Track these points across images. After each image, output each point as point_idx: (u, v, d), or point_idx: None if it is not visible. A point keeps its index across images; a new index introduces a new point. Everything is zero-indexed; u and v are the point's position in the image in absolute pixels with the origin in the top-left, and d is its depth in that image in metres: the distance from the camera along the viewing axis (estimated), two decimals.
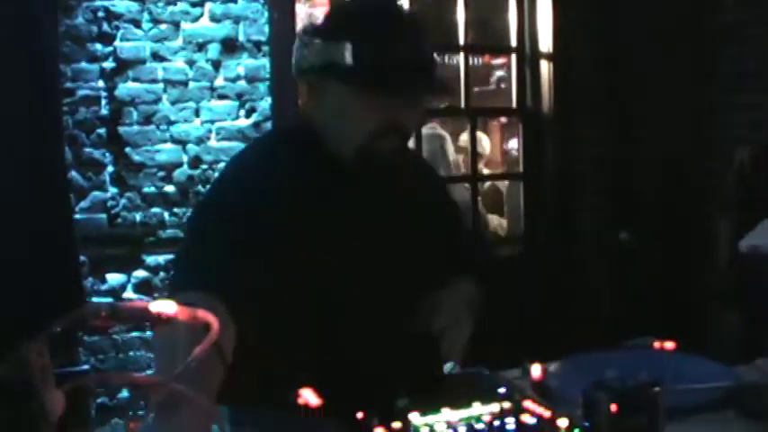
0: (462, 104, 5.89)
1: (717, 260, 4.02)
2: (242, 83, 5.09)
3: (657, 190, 5.84)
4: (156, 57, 4.93)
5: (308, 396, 1.81)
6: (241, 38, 5.07)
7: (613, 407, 1.42)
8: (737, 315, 3.84)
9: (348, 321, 2.02)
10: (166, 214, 5.01)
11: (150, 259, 5.00)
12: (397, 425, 1.64)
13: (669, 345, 2.13)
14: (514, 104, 6.08)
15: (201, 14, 4.99)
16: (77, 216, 4.81)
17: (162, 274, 4.98)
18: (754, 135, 4.95)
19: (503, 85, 8.34)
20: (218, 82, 5.05)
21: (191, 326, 1.06)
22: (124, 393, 4.79)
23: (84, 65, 4.79)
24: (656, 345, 2.14)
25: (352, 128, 2.04)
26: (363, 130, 2.02)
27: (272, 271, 1.92)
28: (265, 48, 5.12)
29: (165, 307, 1.04)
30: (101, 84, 4.84)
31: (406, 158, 2.17)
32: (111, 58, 4.84)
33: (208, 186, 4.92)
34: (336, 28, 2.04)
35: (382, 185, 2.15)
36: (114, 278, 4.90)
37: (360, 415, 1.69)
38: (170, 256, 5.00)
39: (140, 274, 4.98)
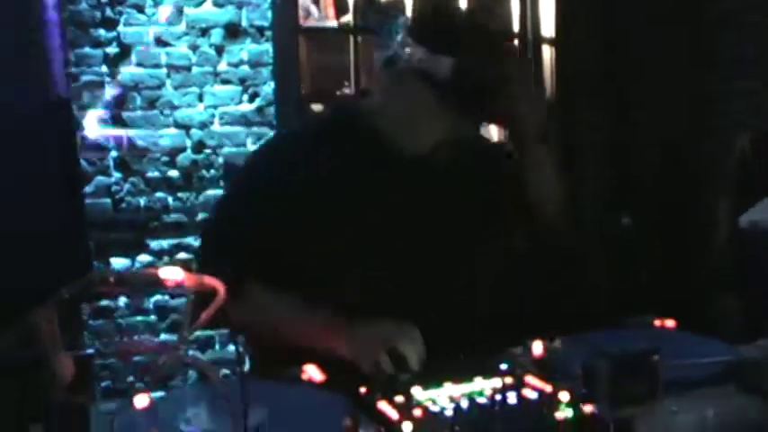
0: None
1: (716, 242, 4.03)
2: (245, 68, 5.10)
3: (656, 174, 5.85)
4: (160, 42, 4.94)
5: (312, 372, 1.83)
6: (244, 23, 5.08)
7: (612, 374, 1.44)
8: (738, 296, 3.85)
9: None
10: (170, 199, 5.02)
11: (154, 244, 5.02)
12: (399, 399, 1.65)
13: (669, 323, 2.15)
14: None
15: (204, 0, 5.00)
16: None
17: (166, 258, 5.01)
18: (752, 121, 4.96)
19: None
20: (222, 67, 5.06)
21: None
22: (129, 377, 4.82)
23: (87, 50, 4.81)
24: (657, 323, 2.16)
25: (423, 131, 2.14)
26: (432, 135, 2.14)
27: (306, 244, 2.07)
28: (268, 33, 5.13)
29: (171, 273, 1.06)
30: (104, 69, 4.85)
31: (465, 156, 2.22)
32: (114, 44, 4.85)
33: (217, 169, 4.96)
34: (439, 38, 2.08)
35: (434, 178, 2.20)
36: (119, 262, 4.91)
37: (363, 390, 1.71)
38: (174, 241, 5.02)
39: (144, 258, 5.00)
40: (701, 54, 5.61)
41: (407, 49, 2.07)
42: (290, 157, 2.20)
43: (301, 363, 1.86)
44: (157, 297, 5.01)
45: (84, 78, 4.80)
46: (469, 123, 2.14)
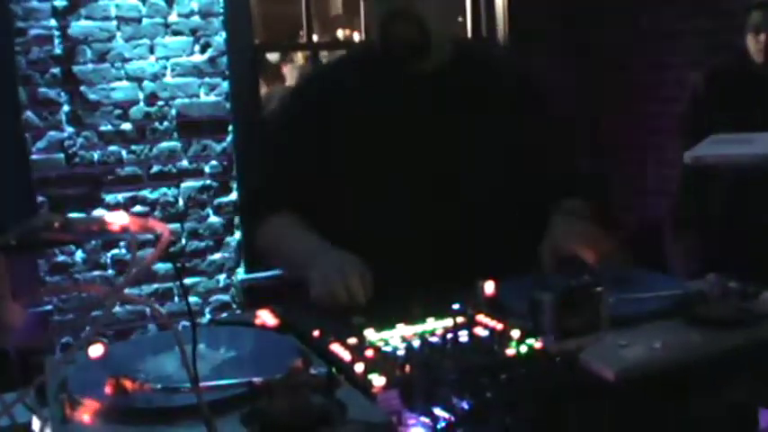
0: None
1: (673, 185, 4.06)
2: (196, 18, 5.07)
3: (614, 117, 5.88)
4: None
5: (266, 316, 1.84)
6: None
7: (556, 306, 1.46)
8: (693, 236, 3.90)
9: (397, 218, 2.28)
10: (124, 152, 5.00)
11: (110, 197, 5.00)
12: (352, 341, 1.67)
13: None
14: (469, 35, 6.07)
15: None
16: (34, 157, 4.80)
17: (122, 211, 4.98)
18: (710, 61, 4.99)
19: (459, 18, 8.32)
20: (172, 18, 5.03)
21: None
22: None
23: (35, 3, 4.75)
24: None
25: (373, 23, 2.34)
26: (376, 21, 2.30)
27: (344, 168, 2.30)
28: None
29: (117, 218, 1.07)
30: (53, 22, 4.80)
31: (427, 46, 2.29)
32: None
33: (170, 120, 4.94)
34: None
35: (438, 87, 2.34)
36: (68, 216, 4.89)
37: (316, 333, 1.72)
38: (129, 194, 5.01)
39: (100, 212, 4.98)
40: None
41: None
42: (326, 87, 2.42)
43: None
44: (114, 251, 5.00)
45: (33, 32, 4.75)
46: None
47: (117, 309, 4.81)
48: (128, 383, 1.41)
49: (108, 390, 1.40)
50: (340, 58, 2.69)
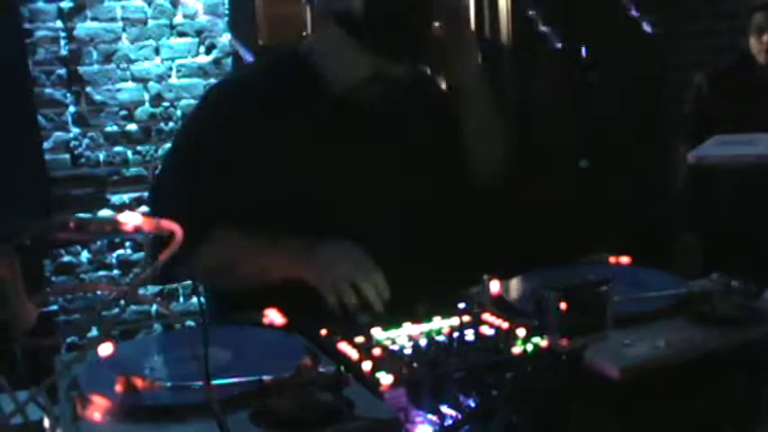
0: None
1: (675, 184, 4.08)
2: (201, 19, 5.08)
3: (616, 117, 5.88)
4: None
5: (273, 316, 1.85)
6: None
7: (562, 305, 1.47)
8: (695, 235, 3.92)
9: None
10: (129, 153, 5.02)
11: (115, 198, 5.02)
12: (359, 339, 1.69)
13: (624, 259, 2.19)
14: None
15: None
16: None
17: (127, 211, 5.00)
18: (713, 61, 5.00)
19: None
20: (178, 19, 5.04)
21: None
22: (93, 332, 4.83)
23: (41, 5, 4.77)
24: (612, 260, 2.20)
25: (345, 68, 2.13)
26: (354, 73, 2.12)
27: (262, 184, 2.11)
28: None
29: (131, 218, 1.08)
30: (59, 24, 4.82)
31: (394, 101, 2.20)
32: None
33: (176, 121, 4.95)
34: None
35: (371, 112, 2.22)
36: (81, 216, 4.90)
37: (323, 331, 1.74)
38: (135, 194, 5.02)
39: (106, 212, 5.00)
40: None
41: None
42: (238, 99, 2.22)
43: (263, 307, 1.88)
44: (120, 251, 5.02)
45: (39, 34, 4.77)
46: (395, 61, 2.14)
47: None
48: (138, 381, 1.42)
49: (118, 388, 1.42)
50: (251, 66, 2.51)
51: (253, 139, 2.15)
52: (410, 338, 1.69)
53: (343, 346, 1.65)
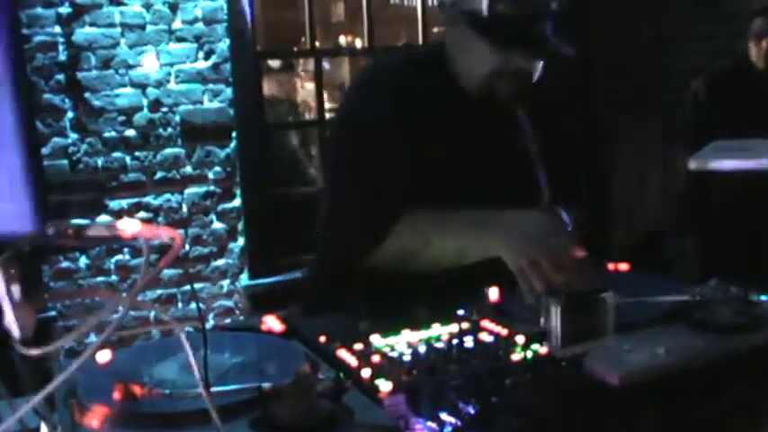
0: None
1: (674, 188, 4.08)
2: (200, 25, 5.08)
3: (615, 119, 5.89)
4: (113, 1, 4.91)
5: (272, 322, 1.85)
6: None
7: (562, 312, 1.47)
8: (695, 241, 3.91)
9: None
10: (128, 158, 5.02)
11: (114, 203, 5.02)
12: (358, 346, 1.69)
13: (623, 266, 2.19)
14: None
15: None
16: None
17: (125, 217, 4.99)
18: (713, 65, 5.00)
19: None
20: (176, 24, 5.04)
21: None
22: (92, 337, 4.82)
23: (39, 10, 4.77)
24: (611, 266, 2.20)
25: (474, 66, 2.21)
26: (483, 70, 2.19)
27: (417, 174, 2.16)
28: None
29: (129, 225, 1.08)
30: (57, 29, 4.82)
31: (525, 98, 2.27)
32: (66, 3, 4.81)
33: (174, 127, 4.94)
34: None
35: (502, 111, 2.29)
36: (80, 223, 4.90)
37: (322, 338, 1.74)
38: (133, 200, 5.02)
39: (104, 218, 4.99)
40: None
41: None
42: (392, 93, 2.28)
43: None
44: (118, 257, 5.02)
45: (37, 39, 4.77)
46: (522, 58, 2.19)
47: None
48: (137, 389, 1.42)
49: (117, 395, 1.41)
50: (403, 62, 2.57)
51: (406, 129, 2.21)
52: (409, 345, 1.69)
53: (343, 353, 1.66)
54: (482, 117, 2.27)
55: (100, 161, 4.96)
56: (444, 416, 1.41)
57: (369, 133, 2.27)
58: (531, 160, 2.29)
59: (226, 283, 5.32)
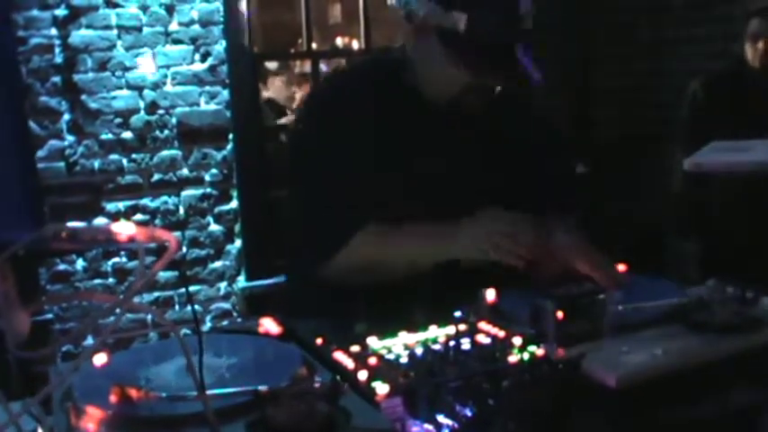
0: None
1: (672, 189, 4.07)
2: (196, 27, 5.08)
3: (614, 121, 5.89)
4: (109, 3, 4.90)
5: (268, 325, 1.85)
6: None
7: (558, 314, 1.47)
8: (693, 242, 3.91)
9: None
10: (125, 160, 5.01)
11: (110, 206, 5.01)
12: (355, 349, 1.68)
13: (621, 266, 2.18)
14: None
15: None
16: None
17: (122, 220, 4.99)
18: (710, 67, 4.99)
19: None
20: (173, 27, 5.04)
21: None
22: (89, 340, 4.81)
23: (35, 13, 4.76)
24: None
25: (443, 82, 2.21)
26: (453, 86, 2.20)
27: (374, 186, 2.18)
28: None
29: (124, 228, 1.07)
30: (54, 32, 4.81)
31: (488, 107, 2.28)
32: (63, 6, 4.81)
33: (171, 129, 4.93)
34: None
35: (463, 123, 2.29)
36: (75, 226, 4.89)
37: (319, 341, 1.73)
38: (130, 202, 5.02)
39: (101, 221, 4.98)
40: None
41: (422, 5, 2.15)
42: (345, 106, 2.29)
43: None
44: (115, 259, 5.01)
45: (34, 41, 4.76)
46: (492, 78, 2.19)
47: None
48: (133, 392, 1.41)
49: (113, 398, 1.41)
50: (350, 73, 2.59)
51: (363, 142, 2.20)
52: (406, 347, 1.69)
53: (339, 356, 1.65)
54: (443, 126, 2.27)
55: (96, 163, 4.96)
56: (441, 418, 1.41)
57: (325, 147, 2.27)
58: (493, 167, 2.31)
59: (223, 285, 5.31)
